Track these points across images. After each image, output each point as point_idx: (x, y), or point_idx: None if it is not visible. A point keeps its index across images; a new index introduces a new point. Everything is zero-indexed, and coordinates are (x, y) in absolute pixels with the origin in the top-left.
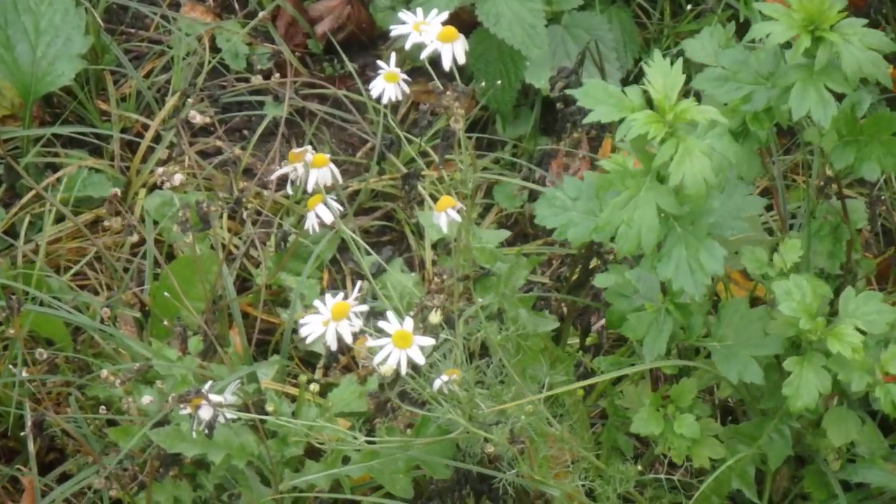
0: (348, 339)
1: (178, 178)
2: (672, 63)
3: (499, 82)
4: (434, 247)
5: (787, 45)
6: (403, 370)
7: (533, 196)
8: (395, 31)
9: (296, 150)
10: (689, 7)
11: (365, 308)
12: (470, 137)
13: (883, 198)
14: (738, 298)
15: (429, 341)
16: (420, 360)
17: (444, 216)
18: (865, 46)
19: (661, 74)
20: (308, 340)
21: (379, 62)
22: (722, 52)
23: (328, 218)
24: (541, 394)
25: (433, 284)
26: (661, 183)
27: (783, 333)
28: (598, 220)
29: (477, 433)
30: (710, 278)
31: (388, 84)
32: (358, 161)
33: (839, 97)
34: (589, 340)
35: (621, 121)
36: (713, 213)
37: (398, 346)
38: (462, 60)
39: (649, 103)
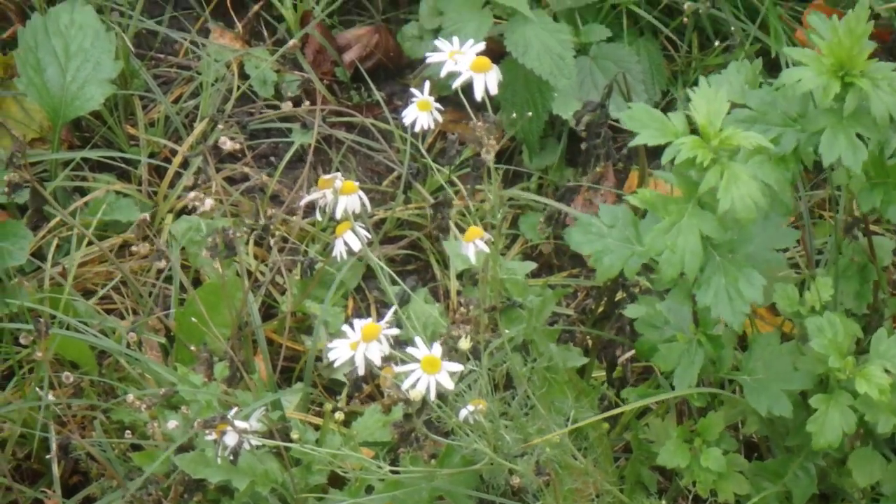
0: (378, 362)
1: (209, 202)
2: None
3: (529, 113)
4: (459, 277)
5: None
6: (432, 395)
7: (558, 228)
8: (431, 58)
9: (325, 177)
10: (717, 40)
11: (396, 331)
12: (497, 168)
13: None
14: (769, 333)
15: (457, 367)
16: (449, 385)
17: (472, 246)
18: (894, 91)
19: (706, 101)
20: (336, 364)
21: (412, 90)
22: (749, 93)
23: (356, 245)
24: (566, 426)
25: (459, 314)
26: (704, 209)
27: (813, 370)
28: (642, 246)
29: (502, 464)
30: (749, 307)
31: (420, 112)
32: (384, 189)
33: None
34: (614, 374)
35: (659, 147)
36: (752, 242)
37: (427, 372)
38: (494, 91)
39: (691, 129)
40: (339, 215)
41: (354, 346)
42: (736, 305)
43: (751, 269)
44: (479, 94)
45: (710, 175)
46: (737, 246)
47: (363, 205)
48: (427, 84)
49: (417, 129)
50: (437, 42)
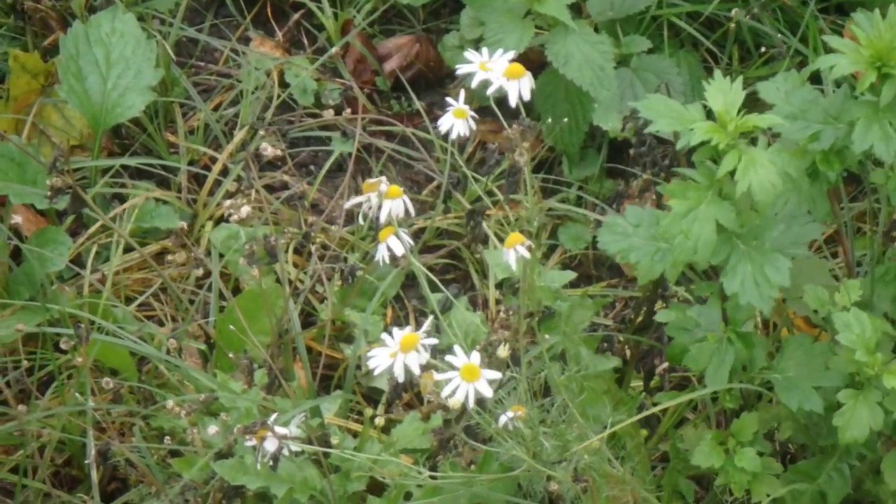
0: (416, 371)
1: (246, 210)
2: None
3: (565, 120)
4: (499, 286)
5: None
6: (471, 403)
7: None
8: (462, 69)
9: (370, 181)
10: (758, 52)
11: (434, 341)
12: (536, 177)
13: None
14: (802, 335)
15: (496, 375)
16: (488, 392)
17: (512, 253)
18: None
19: (721, 92)
20: (375, 372)
21: (448, 99)
22: (792, 93)
23: (399, 250)
24: (604, 433)
25: (499, 321)
26: (723, 198)
27: (844, 368)
28: (658, 228)
29: (541, 470)
30: (777, 291)
31: (456, 120)
32: (423, 199)
33: None
34: (652, 384)
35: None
36: (775, 228)
37: (466, 380)
38: (527, 97)
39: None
40: (383, 219)
41: (394, 354)
42: (763, 290)
43: (776, 255)
44: (513, 101)
45: (727, 158)
46: (760, 233)
47: (407, 210)
48: (462, 92)
49: (454, 136)
50: (466, 54)
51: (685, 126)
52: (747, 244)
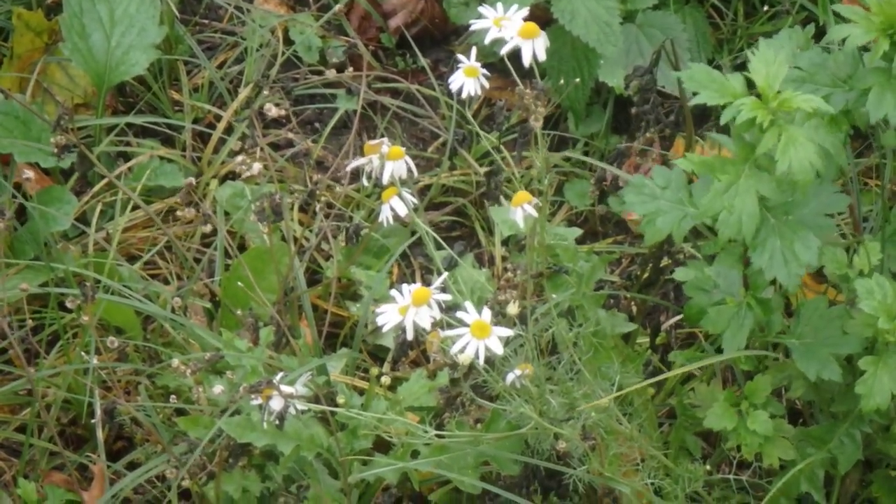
0: (427, 327)
1: (257, 167)
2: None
3: (577, 80)
4: (504, 243)
5: (866, 48)
6: (481, 360)
7: (604, 195)
8: (476, 25)
9: (372, 142)
10: (763, 8)
11: (447, 297)
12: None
13: None
14: (818, 298)
15: (507, 332)
16: (498, 349)
17: (519, 211)
18: None
19: (765, 63)
20: (384, 329)
21: (459, 56)
22: (799, 55)
23: (402, 210)
24: (612, 392)
25: (505, 280)
26: (761, 171)
27: (862, 333)
28: (695, 208)
29: (548, 428)
30: (804, 269)
31: (467, 79)
32: (429, 156)
33: None
34: (658, 340)
35: (706, 113)
36: (807, 205)
37: (476, 336)
38: (542, 57)
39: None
40: (385, 181)
41: (403, 310)
42: (791, 268)
43: (807, 232)
44: (527, 61)
45: (767, 137)
46: (791, 209)
47: (410, 170)
48: (474, 50)
49: (464, 95)
50: (480, 9)
51: (727, 99)
52: (778, 218)
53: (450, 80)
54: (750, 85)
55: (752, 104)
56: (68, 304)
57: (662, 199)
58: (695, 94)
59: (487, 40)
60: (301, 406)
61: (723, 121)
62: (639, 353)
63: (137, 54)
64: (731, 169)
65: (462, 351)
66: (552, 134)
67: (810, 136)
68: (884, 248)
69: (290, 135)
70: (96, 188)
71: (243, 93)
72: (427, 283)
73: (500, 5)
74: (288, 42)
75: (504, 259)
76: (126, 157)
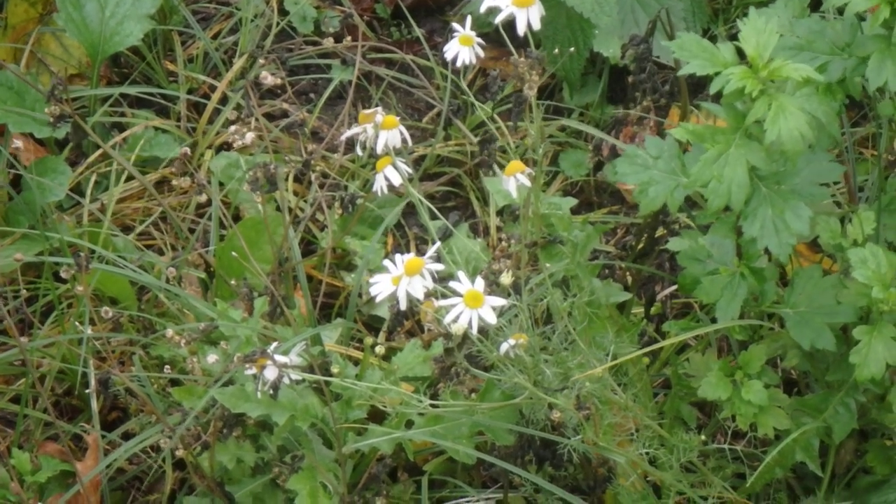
0: (420, 297)
1: (250, 136)
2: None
3: (571, 49)
4: (499, 213)
5: (864, 17)
6: (475, 330)
7: (599, 165)
8: None
9: (366, 111)
10: None
11: (440, 266)
12: (538, 105)
13: None
14: (812, 266)
15: (501, 301)
16: (492, 319)
17: (512, 181)
18: None
19: (755, 32)
20: (378, 299)
21: (454, 24)
22: (797, 22)
23: (396, 180)
24: (606, 361)
25: (500, 250)
26: (751, 140)
27: (856, 302)
28: (688, 177)
29: (543, 398)
30: (795, 238)
31: (462, 47)
32: (424, 126)
33: None
34: (653, 310)
35: (701, 83)
36: (799, 174)
37: (469, 306)
38: (537, 26)
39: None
40: (379, 150)
41: (396, 280)
42: (783, 237)
43: (798, 201)
44: (521, 30)
45: (757, 106)
46: (783, 178)
47: (404, 140)
48: (468, 19)
49: (459, 63)
50: None
51: (717, 68)
52: (769, 187)
53: (445, 48)
54: (741, 54)
55: (742, 73)
56: (63, 274)
57: (655, 168)
58: (686, 63)
59: (482, 9)
60: (295, 376)
61: (712, 90)
62: (634, 323)
63: (132, 24)
64: (721, 138)
65: (455, 321)
66: (547, 104)
67: (802, 106)
68: (879, 218)
69: (286, 105)
70: (91, 158)
71: (238, 63)
72: (422, 254)
73: None
74: (282, 12)
75: (499, 229)
76: (121, 127)
